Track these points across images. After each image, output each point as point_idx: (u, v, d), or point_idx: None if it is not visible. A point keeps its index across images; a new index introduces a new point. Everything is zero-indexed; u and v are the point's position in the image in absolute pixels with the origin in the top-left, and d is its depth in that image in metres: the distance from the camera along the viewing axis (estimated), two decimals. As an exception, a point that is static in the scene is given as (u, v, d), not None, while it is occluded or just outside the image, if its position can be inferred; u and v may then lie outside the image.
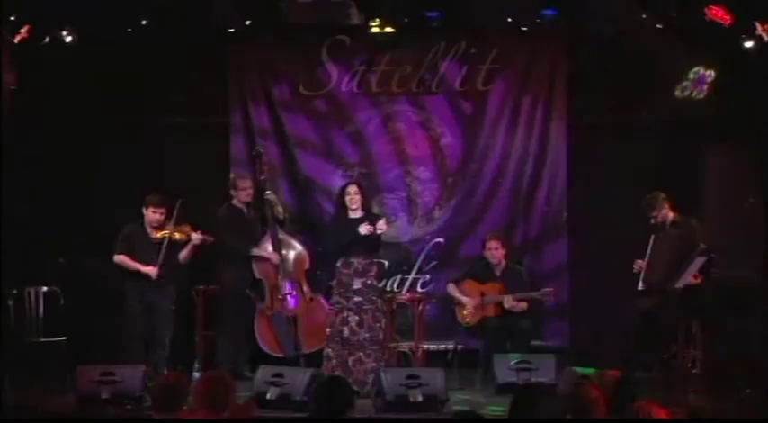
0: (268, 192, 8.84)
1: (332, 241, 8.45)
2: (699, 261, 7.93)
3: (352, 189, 8.34)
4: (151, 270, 8.22)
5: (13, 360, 8.32)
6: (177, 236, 8.23)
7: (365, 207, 8.38)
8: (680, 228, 8.18)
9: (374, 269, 8.36)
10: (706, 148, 9.27)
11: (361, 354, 8.15)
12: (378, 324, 8.23)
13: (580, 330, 9.35)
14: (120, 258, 8.36)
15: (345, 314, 8.23)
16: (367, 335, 8.17)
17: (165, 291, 8.36)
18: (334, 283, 8.39)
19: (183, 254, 8.33)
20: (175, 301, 8.49)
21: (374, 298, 8.27)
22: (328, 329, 8.28)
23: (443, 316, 9.36)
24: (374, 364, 8.08)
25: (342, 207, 8.38)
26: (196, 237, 8.22)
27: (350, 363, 8.13)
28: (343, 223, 8.31)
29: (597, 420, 4.83)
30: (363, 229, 8.15)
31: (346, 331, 8.20)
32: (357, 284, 8.24)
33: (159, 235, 8.24)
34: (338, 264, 8.31)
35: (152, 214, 8.28)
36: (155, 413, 4.95)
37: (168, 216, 8.27)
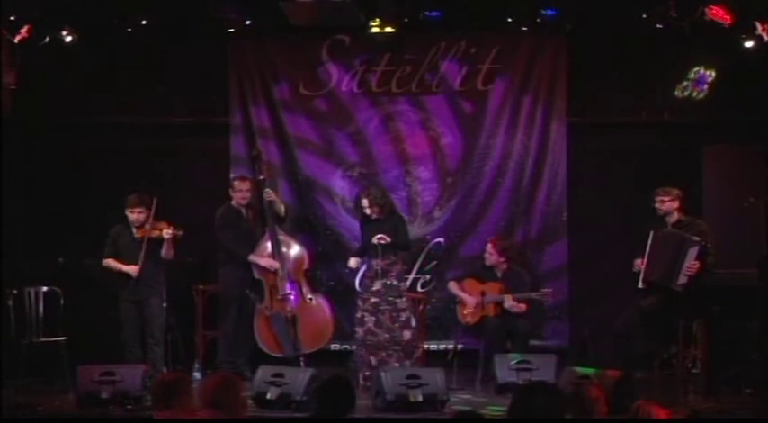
0: (267, 190, 8.84)
1: (363, 243, 8.57)
2: (693, 252, 7.94)
3: (365, 202, 8.47)
4: (132, 269, 8.29)
5: (13, 360, 8.32)
6: (154, 234, 8.30)
7: (383, 211, 8.45)
8: (683, 228, 8.16)
9: (395, 269, 8.42)
10: (706, 148, 9.27)
11: (383, 354, 8.20)
12: (396, 324, 8.26)
13: (580, 330, 9.34)
14: (107, 262, 8.43)
15: (360, 315, 8.33)
16: (387, 335, 8.24)
17: (154, 289, 8.39)
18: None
19: (163, 251, 8.36)
20: (167, 299, 8.49)
21: (391, 298, 8.32)
22: (358, 331, 8.39)
23: (443, 316, 9.37)
24: (397, 365, 8.12)
25: (361, 212, 8.53)
26: (167, 232, 8.27)
27: (374, 363, 8.18)
28: (367, 225, 8.48)
29: (597, 420, 4.83)
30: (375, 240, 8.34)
31: (361, 332, 8.32)
32: (377, 286, 8.32)
33: (140, 234, 8.31)
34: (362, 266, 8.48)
35: (131, 214, 8.35)
36: (156, 413, 4.94)
37: (148, 215, 8.31)
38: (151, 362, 8.21)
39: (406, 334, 8.31)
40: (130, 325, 8.32)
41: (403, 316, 8.33)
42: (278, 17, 8.87)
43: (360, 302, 8.39)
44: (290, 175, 9.64)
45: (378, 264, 8.34)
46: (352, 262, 8.61)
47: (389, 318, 8.28)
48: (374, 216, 8.46)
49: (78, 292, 8.81)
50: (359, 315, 8.36)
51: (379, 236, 8.30)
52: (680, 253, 7.98)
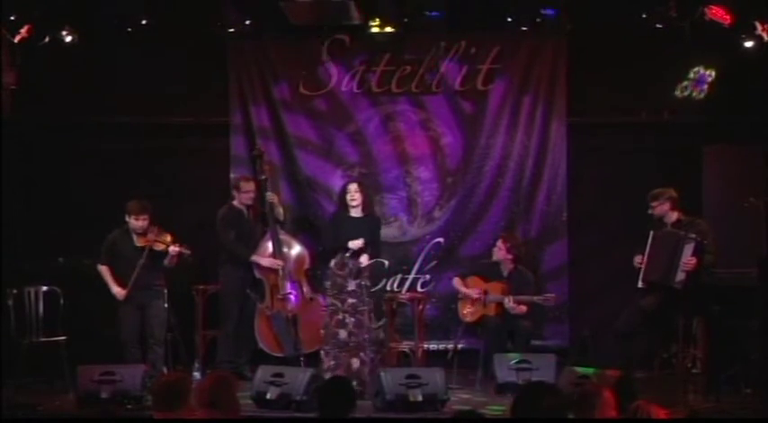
0: (269, 193, 8.85)
1: (331, 239, 8.47)
2: (688, 249, 7.94)
3: (353, 187, 8.39)
4: (118, 292, 8.23)
5: (13, 360, 8.32)
6: (158, 247, 8.22)
7: (366, 207, 8.37)
8: (683, 227, 8.15)
9: (368, 270, 8.35)
10: (706, 148, 9.27)
11: (362, 354, 8.14)
12: (374, 325, 8.21)
13: (580, 330, 9.34)
14: (101, 269, 8.38)
15: (341, 316, 8.17)
16: (366, 336, 8.15)
17: (155, 292, 8.35)
18: (327, 284, 8.29)
19: (166, 261, 8.30)
20: (168, 299, 8.46)
21: (367, 299, 8.24)
22: (322, 331, 8.23)
23: (443, 316, 9.37)
24: (372, 365, 8.07)
25: (342, 205, 8.41)
26: (173, 249, 8.19)
27: (354, 365, 8.10)
28: (343, 221, 8.33)
29: (597, 420, 4.82)
30: (353, 245, 8.24)
31: (343, 334, 8.15)
32: (351, 286, 8.20)
33: (142, 242, 8.25)
34: (332, 264, 8.27)
35: (134, 222, 8.26)
36: (156, 413, 4.94)
37: (151, 222, 8.27)
38: (151, 362, 8.19)
39: (381, 334, 8.22)
40: (130, 327, 8.29)
41: (373, 315, 8.25)
42: (278, 17, 8.88)
43: (338, 303, 8.15)
44: (290, 174, 9.64)
45: (353, 263, 8.28)
46: (354, 244, 8.32)
47: (369, 319, 8.14)
48: (354, 203, 8.32)
49: (78, 292, 8.80)
50: (340, 317, 8.11)
51: (355, 244, 8.23)
52: (676, 250, 7.98)
